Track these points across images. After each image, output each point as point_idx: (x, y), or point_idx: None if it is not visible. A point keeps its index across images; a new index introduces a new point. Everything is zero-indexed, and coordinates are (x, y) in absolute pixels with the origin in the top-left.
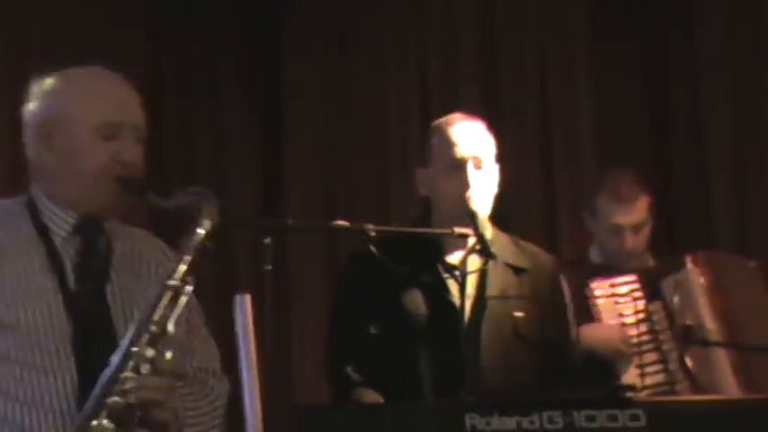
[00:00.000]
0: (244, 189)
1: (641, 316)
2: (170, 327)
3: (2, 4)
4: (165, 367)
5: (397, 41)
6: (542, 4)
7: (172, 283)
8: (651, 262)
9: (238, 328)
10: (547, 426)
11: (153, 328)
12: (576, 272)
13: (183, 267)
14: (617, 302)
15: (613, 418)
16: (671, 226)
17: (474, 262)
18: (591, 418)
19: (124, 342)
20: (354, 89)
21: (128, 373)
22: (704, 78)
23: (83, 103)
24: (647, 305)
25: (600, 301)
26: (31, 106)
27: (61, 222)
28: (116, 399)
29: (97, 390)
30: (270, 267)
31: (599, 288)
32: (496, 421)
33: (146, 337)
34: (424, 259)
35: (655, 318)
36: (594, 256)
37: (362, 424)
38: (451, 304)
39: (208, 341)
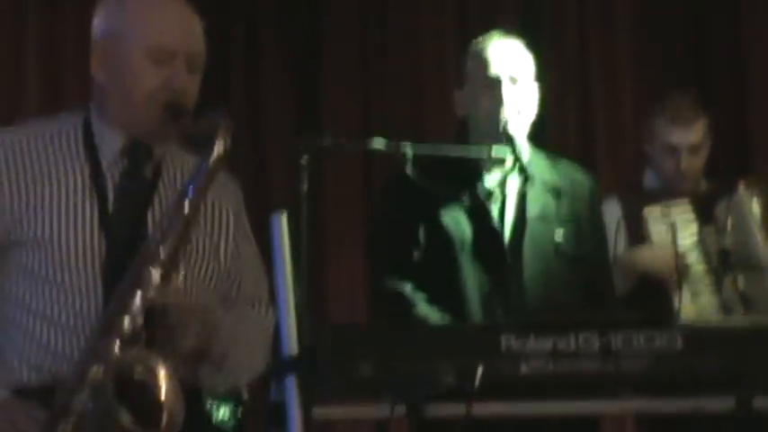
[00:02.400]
0: (279, 107)
1: (694, 239)
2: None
3: None
4: (171, 292)
5: None
6: None
7: (185, 204)
8: (704, 186)
9: (274, 247)
10: (583, 347)
11: (164, 247)
12: (631, 197)
13: (198, 186)
14: (670, 225)
15: (650, 340)
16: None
17: (512, 183)
18: (627, 340)
19: (138, 259)
20: (390, 5)
21: (138, 294)
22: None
23: (138, 25)
24: (700, 228)
25: (653, 226)
26: (94, 22)
27: (110, 144)
28: (127, 320)
29: (109, 308)
30: (306, 186)
31: (652, 213)
32: (532, 342)
33: (158, 258)
34: (463, 181)
35: (708, 241)
36: (649, 181)
37: (397, 344)
38: (493, 227)
39: (258, 269)
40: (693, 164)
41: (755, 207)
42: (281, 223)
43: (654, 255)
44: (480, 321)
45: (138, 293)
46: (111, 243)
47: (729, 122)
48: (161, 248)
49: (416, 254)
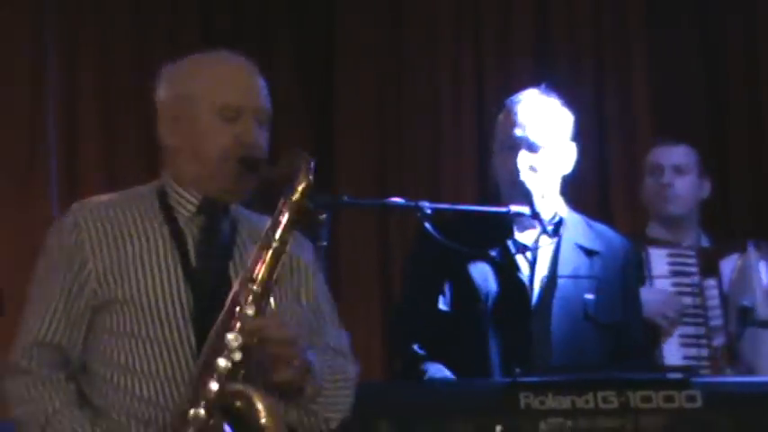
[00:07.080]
0: None
1: (694, 289)
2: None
3: None
4: (268, 321)
5: (451, 7)
6: None
7: (271, 242)
8: (705, 241)
9: None
10: (602, 406)
11: (254, 287)
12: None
13: (281, 227)
14: (672, 271)
15: (670, 399)
16: (725, 203)
17: (545, 241)
18: (647, 399)
19: (227, 302)
20: (406, 60)
21: (231, 334)
22: (764, 51)
23: (205, 86)
24: (701, 280)
25: (655, 267)
26: (159, 92)
27: (185, 202)
28: (224, 360)
29: (204, 352)
30: (325, 243)
31: (656, 255)
32: (551, 401)
33: (249, 297)
34: (495, 236)
35: (707, 293)
36: (652, 231)
37: (415, 402)
38: (522, 282)
39: (338, 326)
40: (677, 184)
41: (762, 270)
42: None
43: (648, 296)
44: (499, 379)
45: (233, 333)
46: (197, 295)
47: (745, 172)
48: (250, 284)
49: (443, 306)
